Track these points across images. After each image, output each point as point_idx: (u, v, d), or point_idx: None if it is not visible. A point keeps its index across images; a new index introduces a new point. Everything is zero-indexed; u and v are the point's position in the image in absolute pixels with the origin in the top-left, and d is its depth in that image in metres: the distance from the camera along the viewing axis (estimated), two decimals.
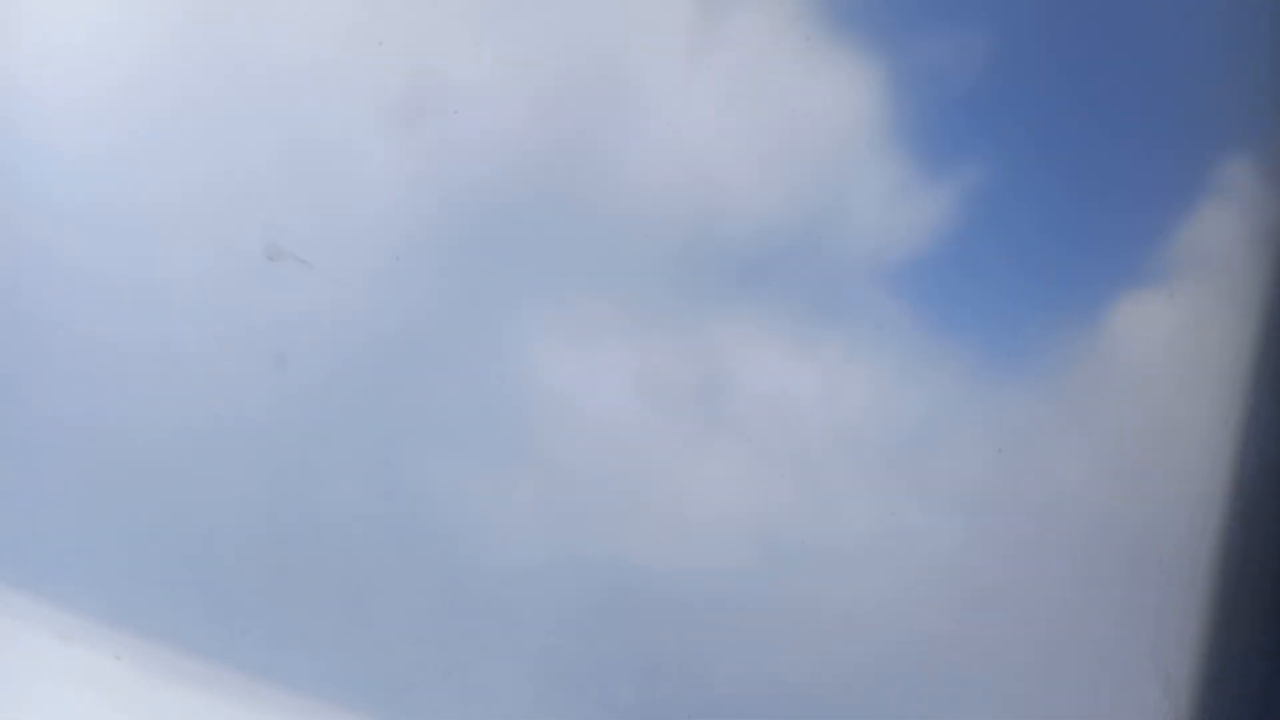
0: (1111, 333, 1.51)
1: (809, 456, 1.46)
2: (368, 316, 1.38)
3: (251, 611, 1.38)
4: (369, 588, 1.40)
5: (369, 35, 1.35)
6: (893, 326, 1.44)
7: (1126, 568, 1.53)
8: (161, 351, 1.36)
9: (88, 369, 1.36)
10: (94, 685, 1.35)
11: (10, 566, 1.36)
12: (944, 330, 1.46)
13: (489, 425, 1.42)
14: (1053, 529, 1.52)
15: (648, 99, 1.40)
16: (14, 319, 1.35)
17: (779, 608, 1.46)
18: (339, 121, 1.35)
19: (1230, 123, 1.53)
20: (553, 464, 1.42)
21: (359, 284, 1.35)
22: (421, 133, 1.35)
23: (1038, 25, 1.48)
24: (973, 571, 1.50)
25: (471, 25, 1.37)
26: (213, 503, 1.39)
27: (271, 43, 1.34)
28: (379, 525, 1.40)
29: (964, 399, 1.48)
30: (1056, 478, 1.53)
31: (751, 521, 1.45)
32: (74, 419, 1.38)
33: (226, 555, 1.39)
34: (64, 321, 1.36)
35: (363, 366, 1.39)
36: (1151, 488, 1.54)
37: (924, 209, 1.43)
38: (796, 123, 1.43)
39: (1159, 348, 1.53)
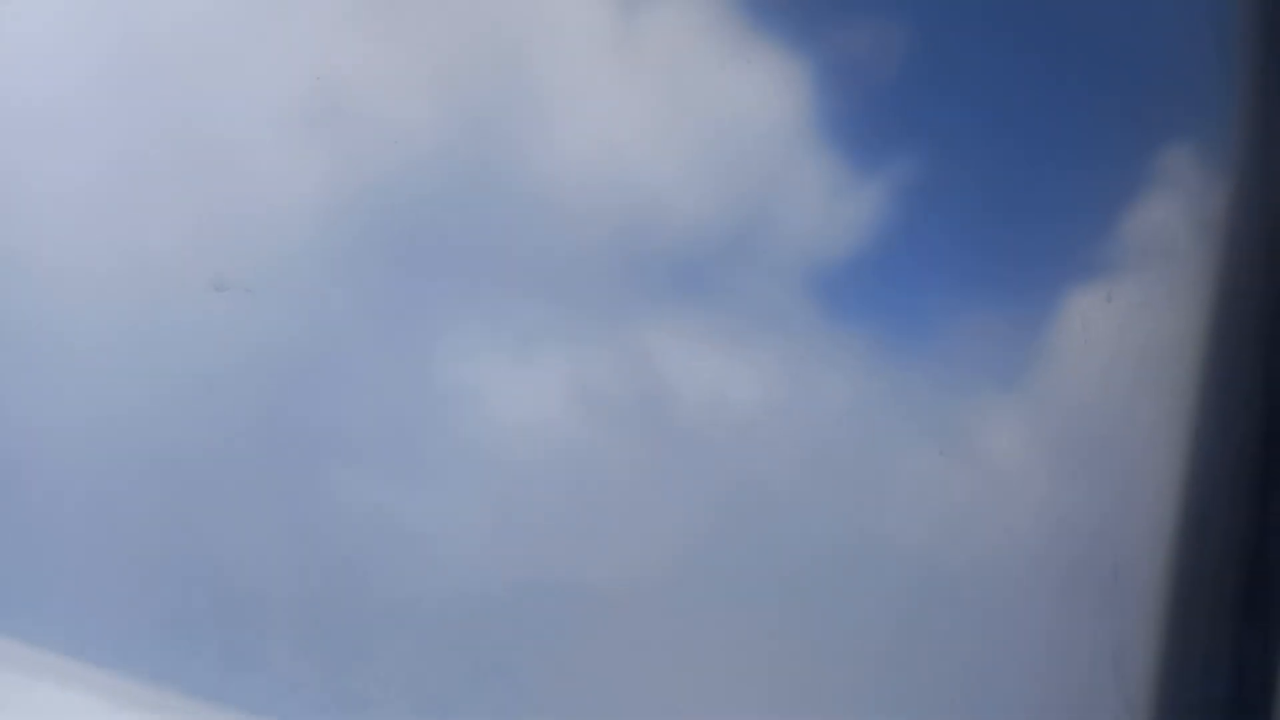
0: (1055, 330, 1.47)
1: (752, 464, 1.42)
2: (286, 334, 1.33)
3: (202, 635, 1.34)
4: (318, 611, 1.36)
5: (264, 34, 1.30)
6: (830, 328, 1.41)
7: (1079, 568, 1.50)
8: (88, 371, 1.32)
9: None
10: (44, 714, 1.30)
11: None
12: (883, 331, 1.43)
13: (425, 444, 1.38)
14: (1000, 530, 1.49)
15: (564, 96, 1.36)
16: None
17: (730, 618, 1.42)
18: (238, 124, 1.30)
19: (1171, 112, 1.50)
20: (493, 480, 1.38)
21: (273, 300, 1.31)
22: (324, 137, 1.30)
23: (970, 14, 1.44)
24: (923, 576, 1.47)
25: (372, 19, 1.32)
26: (158, 526, 1.35)
27: (160, 42, 1.30)
28: (315, 550, 1.37)
29: (905, 401, 1.45)
30: (1003, 479, 1.50)
31: (696, 533, 1.41)
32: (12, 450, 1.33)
33: (174, 579, 1.35)
34: None
35: (289, 388, 1.35)
36: (1102, 486, 1.51)
37: (857, 206, 1.40)
38: (724, 119, 1.39)
39: (1104, 344, 1.50)
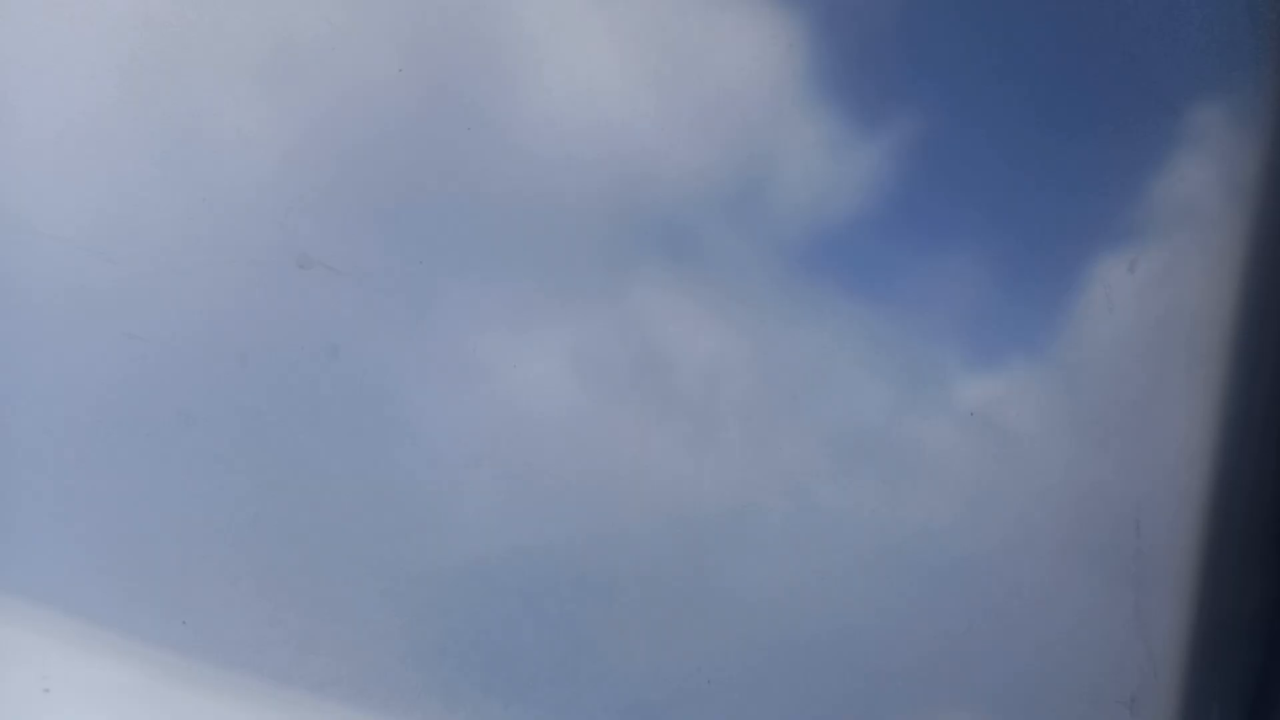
0: (1078, 297, 1.43)
1: (755, 432, 1.40)
2: (284, 310, 1.32)
3: (228, 601, 1.36)
4: (333, 579, 1.37)
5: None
6: (833, 294, 1.37)
7: (1106, 535, 1.48)
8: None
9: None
10: (64, 681, 1.33)
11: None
12: (891, 298, 1.38)
13: (432, 416, 1.37)
14: (1025, 499, 1.47)
15: (544, 47, 1.31)
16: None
17: (735, 586, 1.41)
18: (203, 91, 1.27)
19: (1199, 70, 1.45)
20: (499, 451, 1.37)
21: (270, 273, 1.29)
22: (291, 100, 1.27)
23: None
24: (945, 546, 1.45)
25: None
26: (184, 497, 1.35)
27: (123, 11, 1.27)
28: (333, 520, 1.37)
29: (917, 371, 1.41)
30: (1026, 447, 1.47)
31: (701, 505, 1.40)
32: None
33: (198, 549, 1.36)
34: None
35: (299, 363, 1.34)
36: (1128, 455, 1.48)
37: (859, 165, 1.35)
38: (715, 79, 1.34)
39: (1129, 311, 1.45)
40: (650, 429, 1.38)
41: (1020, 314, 1.44)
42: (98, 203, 1.29)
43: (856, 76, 1.34)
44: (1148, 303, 1.45)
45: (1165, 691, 1.47)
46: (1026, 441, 1.46)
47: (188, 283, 1.30)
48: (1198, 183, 1.44)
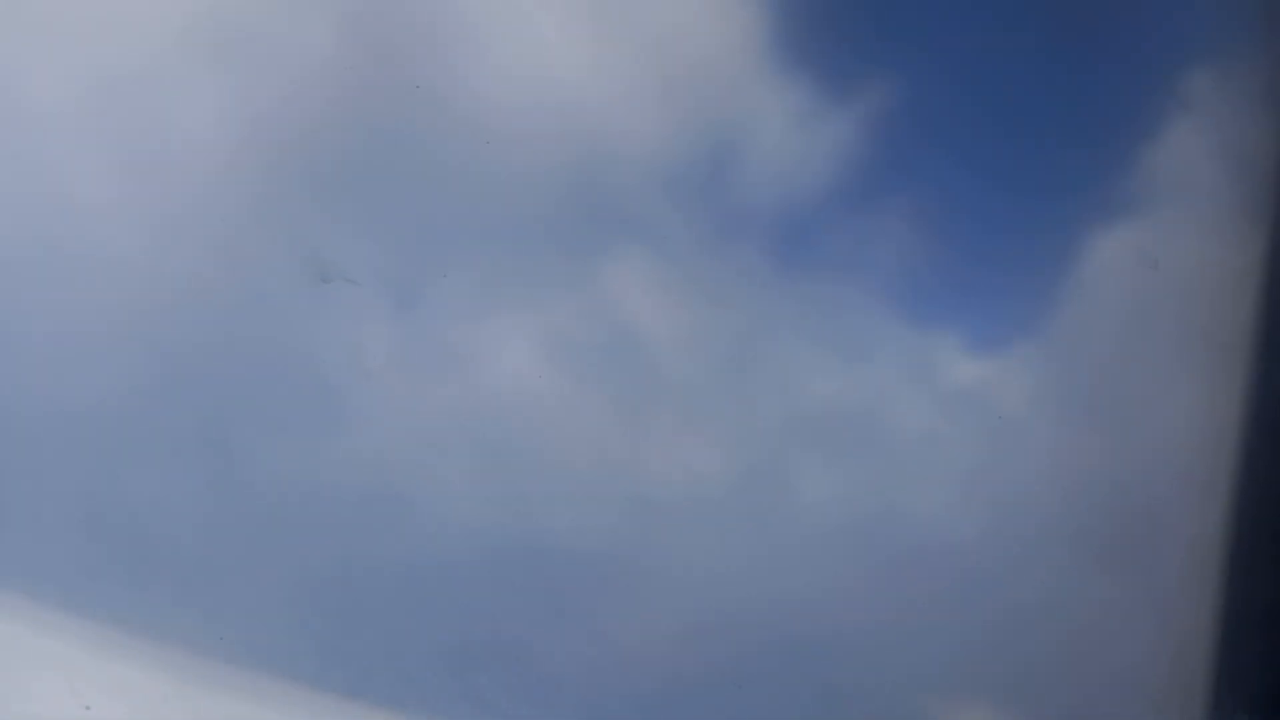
0: (1074, 273, 1.36)
1: (728, 416, 1.34)
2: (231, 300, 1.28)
3: (226, 591, 1.34)
4: (314, 567, 1.33)
5: None
6: (804, 272, 1.31)
7: (1119, 526, 1.40)
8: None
9: None
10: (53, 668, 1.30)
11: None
12: (862, 275, 1.32)
13: (405, 402, 1.32)
14: (1028, 489, 1.39)
15: (507, 32, 1.28)
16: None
17: (725, 578, 1.35)
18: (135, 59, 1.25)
19: (1201, 30, 1.38)
20: (472, 435, 1.32)
21: (227, 254, 1.26)
22: (224, 70, 1.24)
23: None
24: (933, 533, 1.38)
25: None
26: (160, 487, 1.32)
27: None
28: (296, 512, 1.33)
29: (894, 349, 1.34)
30: (1020, 436, 1.39)
31: (674, 486, 1.33)
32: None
33: (187, 537, 1.33)
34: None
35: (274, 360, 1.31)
36: (1130, 439, 1.40)
37: (830, 134, 1.28)
38: (675, 49, 1.29)
39: (1128, 289, 1.38)
40: (618, 412, 1.32)
41: (1017, 293, 1.37)
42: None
43: (829, 45, 1.29)
44: (1158, 284, 1.38)
45: (1187, 690, 1.38)
46: (1025, 427, 1.38)
47: (142, 268, 1.27)
48: (1200, 148, 1.37)
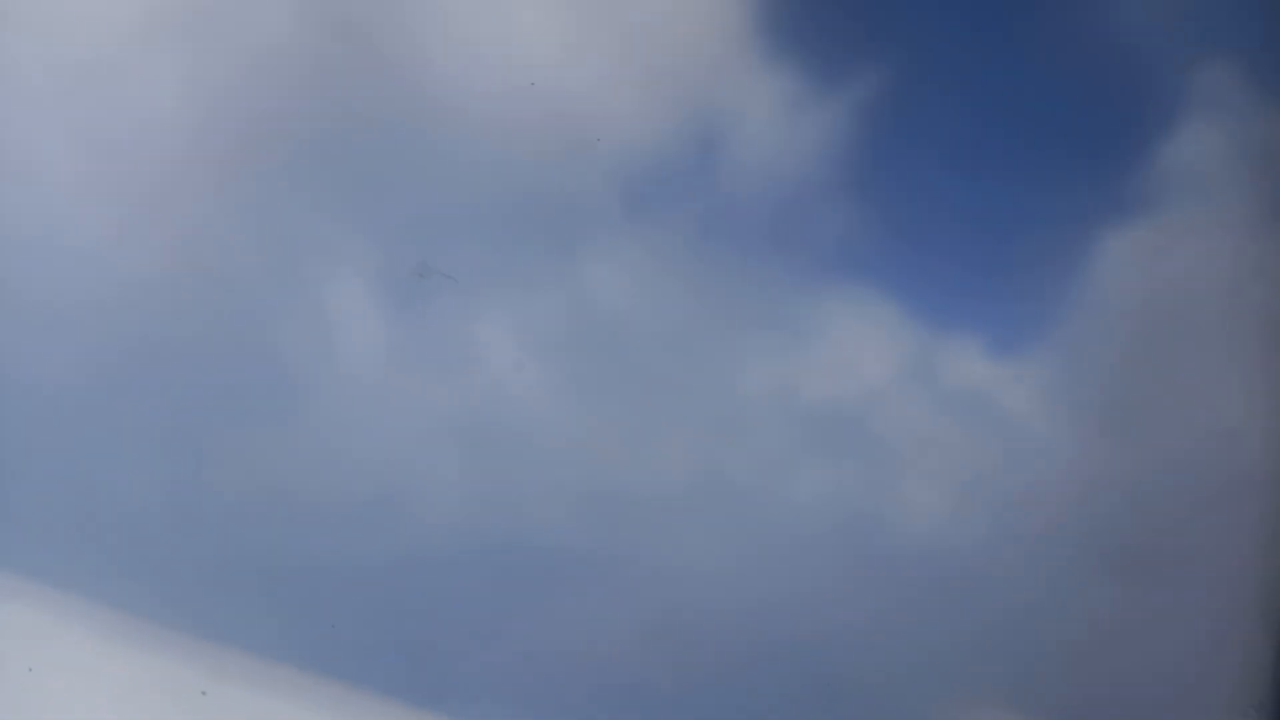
0: (1081, 271, 1.31)
1: (730, 418, 1.31)
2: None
3: (240, 588, 1.33)
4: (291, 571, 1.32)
5: None
6: (794, 262, 1.27)
7: (1139, 539, 1.34)
8: None
9: None
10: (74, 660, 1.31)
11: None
12: (851, 266, 1.28)
13: (378, 394, 1.31)
14: (1034, 496, 1.34)
15: (490, 19, 1.26)
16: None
17: (698, 573, 1.31)
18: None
19: (1215, 23, 1.33)
20: (450, 428, 1.31)
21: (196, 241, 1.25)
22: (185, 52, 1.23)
23: None
24: (932, 545, 1.33)
25: None
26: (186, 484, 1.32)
27: None
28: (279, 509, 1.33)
29: (899, 350, 1.30)
30: (1028, 441, 1.34)
31: (662, 484, 1.30)
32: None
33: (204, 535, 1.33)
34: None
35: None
36: (1142, 445, 1.34)
37: (820, 122, 1.25)
38: (658, 35, 1.26)
39: (1139, 289, 1.33)
40: (602, 407, 1.29)
41: (1024, 294, 1.33)
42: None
43: (816, 22, 1.25)
44: (1171, 280, 1.33)
45: (1199, 700, 1.32)
46: (1033, 429, 1.33)
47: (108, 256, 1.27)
48: (1214, 144, 1.32)
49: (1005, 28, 1.30)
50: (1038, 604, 1.30)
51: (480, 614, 1.32)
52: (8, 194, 1.27)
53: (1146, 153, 1.31)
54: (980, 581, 1.31)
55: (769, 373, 1.30)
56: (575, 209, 1.26)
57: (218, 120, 1.25)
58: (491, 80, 1.26)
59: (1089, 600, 1.32)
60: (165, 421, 1.28)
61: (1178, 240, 1.33)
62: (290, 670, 1.32)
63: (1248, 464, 1.32)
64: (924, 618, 1.31)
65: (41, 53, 1.26)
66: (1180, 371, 1.34)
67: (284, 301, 1.28)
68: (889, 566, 1.31)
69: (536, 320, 1.28)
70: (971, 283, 1.30)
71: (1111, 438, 1.35)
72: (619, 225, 1.27)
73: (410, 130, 1.26)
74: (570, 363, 1.29)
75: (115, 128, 1.26)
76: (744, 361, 1.30)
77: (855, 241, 1.26)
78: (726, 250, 1.26)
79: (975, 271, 1.29)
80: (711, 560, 1.29)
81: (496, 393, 1.30)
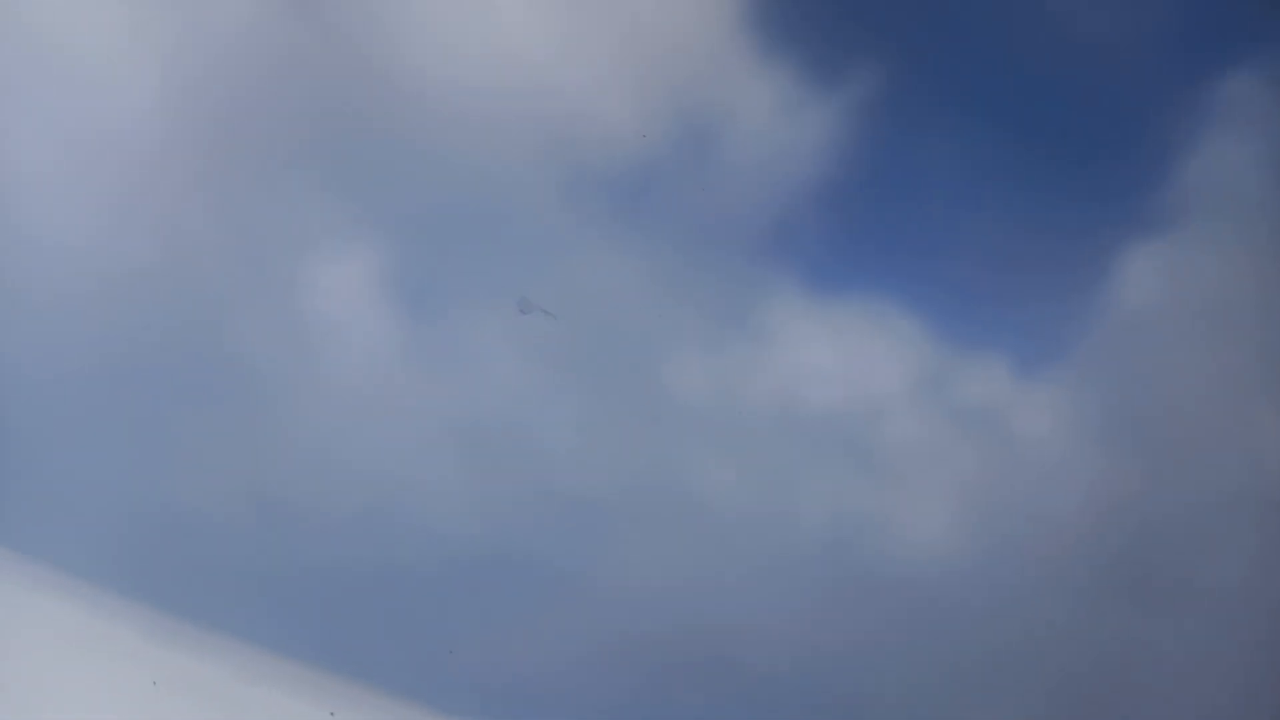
0: (1099, 283, 1.27)
1: (730, 428, 1.26)
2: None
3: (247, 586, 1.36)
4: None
5: None
6: (798, 269, 1.23)
7: (1158, 556, 1.30)
8: None
9: None
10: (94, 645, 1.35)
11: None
12: (849, 271, 1.24)
13: (359, 389, 1.28)
14: (1045, 515, 1.30)
15: (483, 14, 1.22)
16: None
17: (717, 578, 1.27)
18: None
19: (1240, 32, 1.29)
20: (442, 424, 1.28)
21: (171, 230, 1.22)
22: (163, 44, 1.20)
23: None
24: (935, 556, 1.29)
25: None
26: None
27: None
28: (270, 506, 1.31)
29: (905, 363, 1.26)
30: (1042, 461, 1.30)
31: (647, 489, 1.26)
32: None
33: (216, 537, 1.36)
34: None
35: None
36: (1158, 463, 1.29)
37: (814, 123, 1.20)
38: (651, 32, 1.23)
39: (1160, 300, 1.28)
40: (599, 412, 1.25)
41: (1027, 303, 1.28)
42: None
43: (814, 23, 1.22)
44: (1186, 291, 1.29)
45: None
46: (1046, 449, 1.29)
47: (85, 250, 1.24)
48: (1236, 156, 1.28)
49: (1030, 41, 1.26)
50: (1053, 626, 1.26)
51: (475, 619, 1.29)
52: None
53: (1170, 166, 1.27)
54: (991, 603, 1.27)
55: (767, 383, 1.26)
56: (566, 206, 1.23)
57: (209, 124, 1.24)
58: (481, 79, 1.23)
59: (1106, 624, 1.28)
60: (161, 424, 1.27)
61: (1201, 256, 1.29)
62: (290, 667, 1.29)
63: (1274, 486, 1.27)
64: (922, 638, 1.27)
65: (21, 47, 1.24)
66: (1203, 392, 1.29)
67: (283, 303, 1.26)
68: (885, 584, 1.27)
69: (528, 326, 1.24)
70: (983, 289, 1.26)
71: (1130, 458, 1.31)
72: (609, 227, 1.23)
73: (399, 129, 1.23)
74: (561, 369, 1.25)
75: (99, 129, 1.24)
76: (741, 371, 1.26)
77: (852, 245, 1.22)
78: (719, 254, 1.22)
79: (987, 277, 1.25)
80: (709, 575, 1.25)
81: (485, 391, 1.26)
